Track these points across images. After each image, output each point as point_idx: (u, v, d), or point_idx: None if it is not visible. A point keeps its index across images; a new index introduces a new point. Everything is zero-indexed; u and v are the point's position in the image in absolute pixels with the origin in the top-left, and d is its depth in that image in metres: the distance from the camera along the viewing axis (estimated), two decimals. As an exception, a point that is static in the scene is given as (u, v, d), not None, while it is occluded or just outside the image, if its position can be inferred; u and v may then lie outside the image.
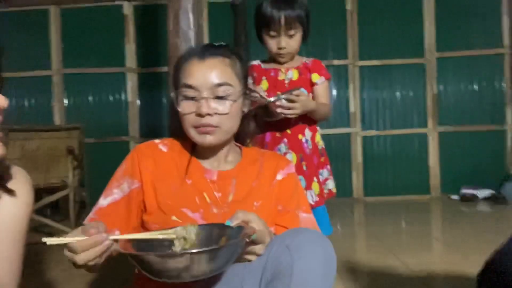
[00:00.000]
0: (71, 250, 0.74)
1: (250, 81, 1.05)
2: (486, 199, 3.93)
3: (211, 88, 0.95)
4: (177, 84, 1.01)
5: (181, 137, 1.04)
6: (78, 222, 2.98)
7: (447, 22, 4.26)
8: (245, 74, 1.04)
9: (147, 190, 0.97)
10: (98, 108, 4.33)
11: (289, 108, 1.38)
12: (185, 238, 0.79)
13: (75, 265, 0.76)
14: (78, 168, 3.37)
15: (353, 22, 4.31)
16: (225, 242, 0.79)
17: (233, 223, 0.82)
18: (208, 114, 0.95)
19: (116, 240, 0.77)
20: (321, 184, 1.52)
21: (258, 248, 0.85)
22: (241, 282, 0.87)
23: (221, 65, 0.97)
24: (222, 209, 0.97)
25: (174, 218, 0.95)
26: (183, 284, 0.79)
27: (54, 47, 4.28)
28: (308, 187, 1.48)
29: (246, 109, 1.05)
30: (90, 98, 4.34)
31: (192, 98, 0.96)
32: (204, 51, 0.99)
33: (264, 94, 1.38)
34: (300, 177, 1.43)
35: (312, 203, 1.46)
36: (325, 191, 1.53)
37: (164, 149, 1.03)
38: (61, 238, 0.72)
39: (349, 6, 4.32)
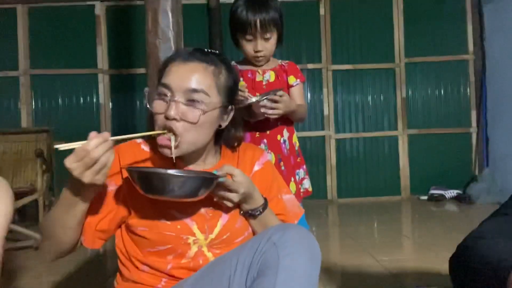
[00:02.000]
0: (82, 151, 0.78)
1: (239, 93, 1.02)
2: (453, 198, 4.08)
3: (185, 92, 0.91)
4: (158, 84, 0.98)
5: None
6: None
7: (415, 29, 4.42)
8: (230, 87, 0.98)
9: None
10: (69, 111, 4.21)
11: (272, 108, 1.40)
12: (174, 133, 0.91)
13: (84, 174, 0.78)
14: (47, 172, 3.27)
15: (327, 27, 4.40)
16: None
17: (219, 172, 0.93)
18: (175, 119, 0.90)
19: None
20: (298, 184, 1.54)
21: (231, 195, 0.94)
22: (228, 279, 0.87)
23: (202, 71, 0.93)
24: (209, 208, 0.97)
25: (162, 220, 0.94)
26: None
27: (22, 47, 4.13)
28: (286, 187, 1.49)
29: (224, 124, 1.00)
30: (60, 100, 4.22)
31: (165, 99, 0.92)
32: (190, 54, 0.96)
33: (248, 95, 1.38)
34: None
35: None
36: (302, 190, 1.56)
37: (146, 148, 1.01)
38: (70, 144, 0.81)
39: (322, 12, 4.41)
